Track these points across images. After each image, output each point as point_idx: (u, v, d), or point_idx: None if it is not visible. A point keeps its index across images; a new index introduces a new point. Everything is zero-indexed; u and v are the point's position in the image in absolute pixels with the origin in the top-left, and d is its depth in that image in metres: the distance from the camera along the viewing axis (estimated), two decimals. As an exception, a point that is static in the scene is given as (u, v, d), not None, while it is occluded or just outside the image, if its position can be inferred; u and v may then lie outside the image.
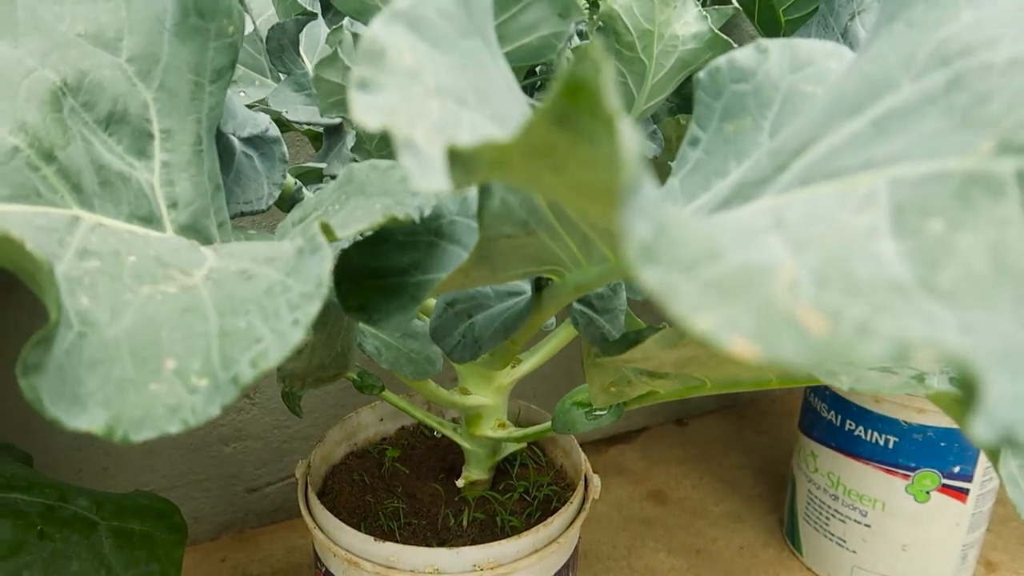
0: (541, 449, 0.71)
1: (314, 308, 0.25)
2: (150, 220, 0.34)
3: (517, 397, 0.69)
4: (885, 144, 0.18)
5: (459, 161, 0.17)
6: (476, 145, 0.16)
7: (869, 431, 0.78)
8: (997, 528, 0.93)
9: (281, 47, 0.50)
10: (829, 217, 0.16)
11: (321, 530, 0.57)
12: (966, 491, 0.77)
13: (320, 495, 0.64)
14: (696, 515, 0.97)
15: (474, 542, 0.58)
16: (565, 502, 0.59)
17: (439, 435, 0.70)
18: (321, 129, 0.56)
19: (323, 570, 0.60)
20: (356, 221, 0.33)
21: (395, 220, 0.31)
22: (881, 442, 0.78)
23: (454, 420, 0.67)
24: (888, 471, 0.78)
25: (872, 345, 0.11)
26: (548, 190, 0.21)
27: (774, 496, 1.01)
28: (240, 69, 0.63)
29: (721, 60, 0.30)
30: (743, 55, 0.29)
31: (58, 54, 0.32)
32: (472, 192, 0.36)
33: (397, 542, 0.54)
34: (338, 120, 0.49)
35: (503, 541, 0.54)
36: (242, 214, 0.45)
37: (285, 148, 0.45)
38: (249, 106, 0.57)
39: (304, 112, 0.51)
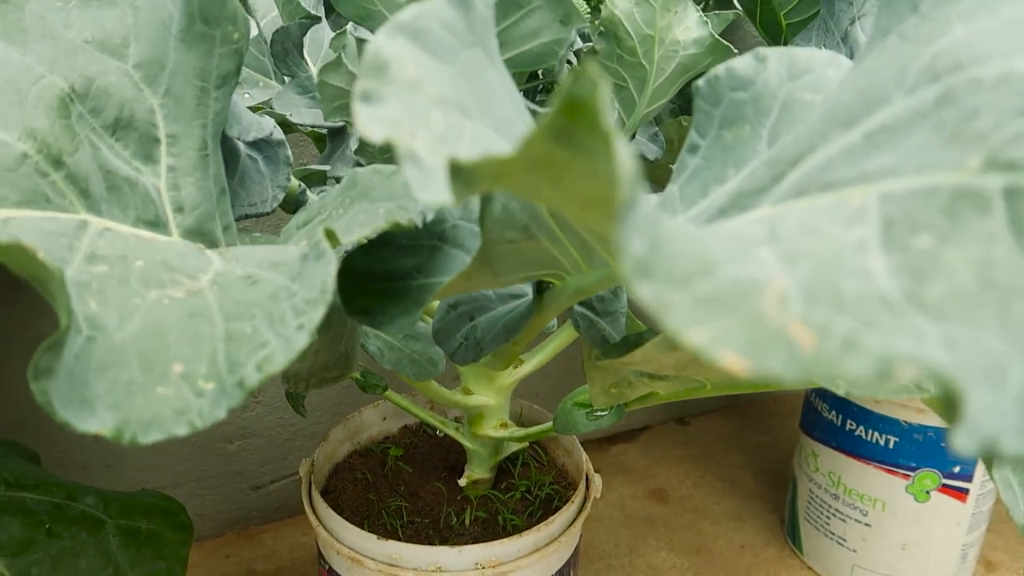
0: (543, 448, 0.71)
1: (318, 314, 0.26)
2: (156, 224, 0.34)
3: (520, 396, 0.70)
4: (878, 158, 0.18)
5: (460, 174, 0.17)
6: (477, 160, 0.16)
7: (870, 431, 0.79)
8: (997, 528, 0.93)
9: (285, 50, 0.50)
10: (821, 230, 0.17)
11: (325, 528, 0.57)
12: (966, 491, 0.77)
13: (324, 493, 0.64)
14: (697, 514, 0.98)
15: (476, 541, 0.58)
16: (567, 501, 0.59)
17: (442, 434, 0.71)
18: (325, 131, 0.56)
19: (327, 568, 0.60)
20: (360, 226, 0.33)
21: (398, 225, 0.32)
22: (881, 442, 0.78)
23: (457, 419, 0.67)
24: (888, 471, 0.78)
25: (857, 361, 0.12)
26: (548, 201, 0.21)
27: (775, 495, 1.01)
28: (244, 71, 0.63)
29: (720, 68, 0.30)
30: (741, 63, 0.30)
31: (66, 61, 0.33)
32: (474, 197, 0.37)
33: (400, 540, 0.54)
34: (342, 123, 0.49)
35: (505, 540, 0.54)
36: (247, 216, 0.45)
37: (289, 151, 0.45)
38: (253, 108, 0.58)
39: (308, 115, 0.51)
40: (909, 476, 0.77)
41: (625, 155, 0.14)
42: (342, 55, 0.41)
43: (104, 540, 0.43)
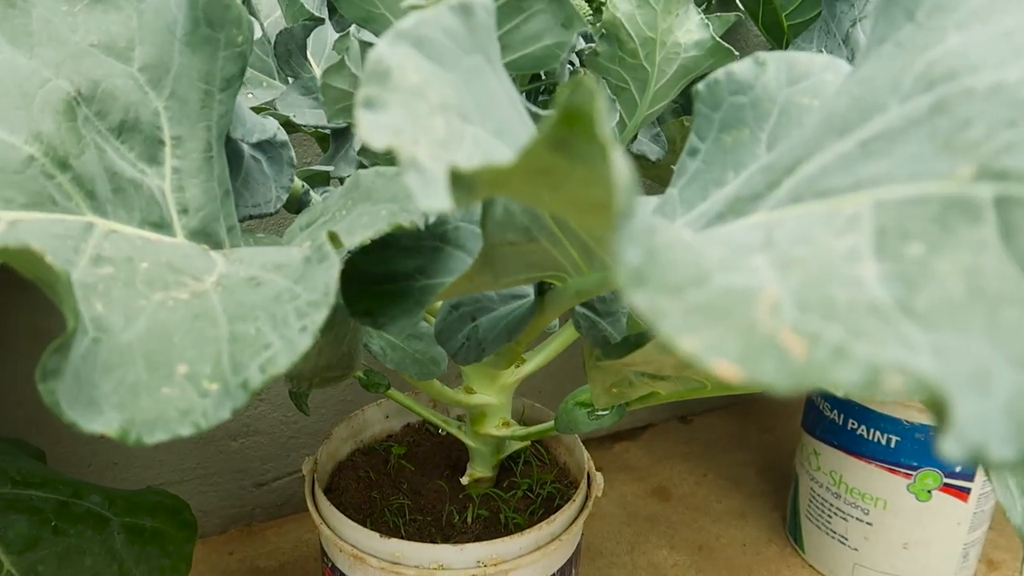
0: (545, 447, 0.72)
1: (321, 316, 0.26)
2: (161, 226, 0.35)
3: (522, 395, 0.70)
4: (872, 165, 0.19)
5: (461, 182, 0.17)
6: (477, 168, 0.17)
7: (871, 430, 0.79)
8: (999, 527, 0.94)
9: (289, 51, 0.51)
10: (815, 238, 0.17)
11: (327, 526, 0.58)
12: (967, 490, 0.77)
13: (327, 491, 0.65)
14: (699, 512, 0.98)
15: (478, 539, 0.59)
16: (568, 500, 0.59)
17: (444, 433, 0.71)
18: (328, 131, 0.56)
19: (329, 565, 0.61)
20: (362, 228, 0.33)
21: (400, 227, 0.32)
22: (883, 441, 0.78)
23: (459, 418, 0.68)
24: (890, 470, 0.78)
25: (846, 370, 0.12)
26: (548, 206, 0.22)
27: (777, 494, 1.01)
28: (248, 71, 0.63)
29: (719, 73, 0.30)
30: (741, 68, 0.30)
31: (72, 64, 0.33)
32: (476, 198, 0.37)
33: (402, 538, 0.54)
34: (345, 124, 0.50)
35: (506, 538, 0.55)
36: (250, 217, 0.45)
37: (293, 152, 0.46)
38: (257, 108, 0.58)
39: (311, 115, 0.51)
40: (911, 475, 0.78)
41: (622, 165, 0.14)
42: (345, 57, 0.41)
43: (109, 538, 0.43)
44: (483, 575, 0.54)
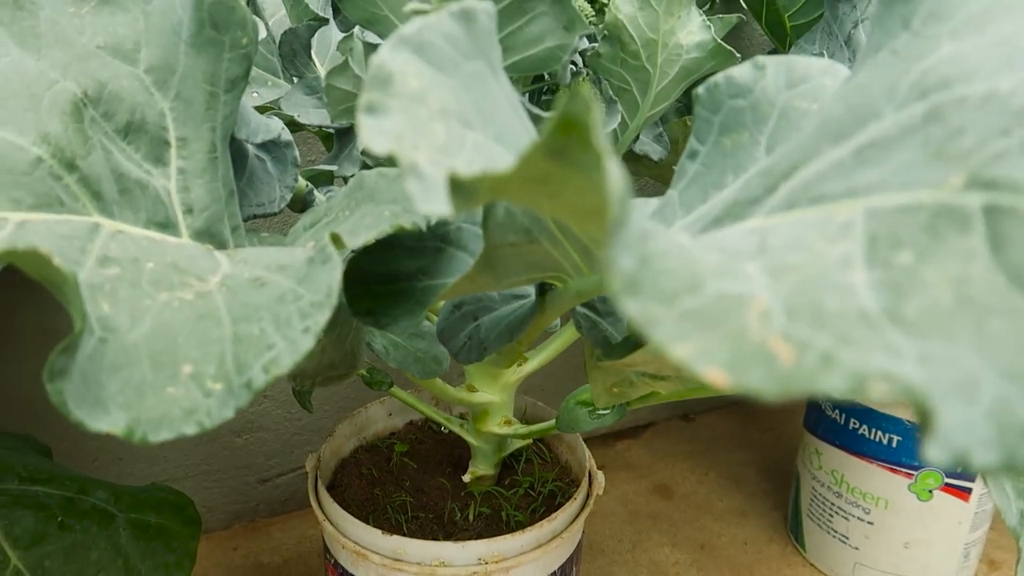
0: (546, 445, 0.72)
1: (324, 317, 0.26)
2: (167, 226, 0.35)
3: (525, 393, 0.70)
4: (866, 173, 0.19)
5: (460, 188, 0.18)
6: (476, 175, 0.17)
7: (873, 430, 0.79)
8: (1000, 527, 0.94)
9: (293, 51, 0.51)
10: (809, 244, 0.17)
11: (330, 522, 0.58)
12: (968, 490, 0.77)
13: (330, 488, 0.65)
14: (701, 510, 0.98)
15: (479, 536, 0.59)
16: (569, 498, 0.60)
17: (446, 430, 0.71)
18: (332, 130, 0.57)
19: (332, 561, 0.61)
20: (365, 229, 0.34)
21: (402, 229, 0.32)
22: (885, 441, 0.79)
23: (461, 416, 0.68)
24: (891, 470, 0.79)
25: (833, 377, 0.12)
26: (547, 211, 0.22)
27: (778, 492, 1.02)
28: (253, 70, 0.64)
29: (719, 76, 0.31)
30: (740, 72, 0.30)
31: (79, 66, 0.34)
32: (478, 199, 0.37)
33: (404, 535, 0.55)
34: (349, 124, 0.50)
35: (507, 536, 0.55)
36: (255, 216, 0.46)
37: (296, 152, 0.46)
38: (262, 107, 0.59)
39: (316, 115, 0.52)
40: (912, 475, 0.78)
41: (616, 174, 0.14)
42: (349, 59, 0.42)
43: (115, 533, 0.44)
44: (484, 572, 0.54)
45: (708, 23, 0.43)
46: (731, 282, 0.15)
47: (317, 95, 0.52)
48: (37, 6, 0.33)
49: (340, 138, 0.53)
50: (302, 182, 0.50)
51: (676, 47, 0.43)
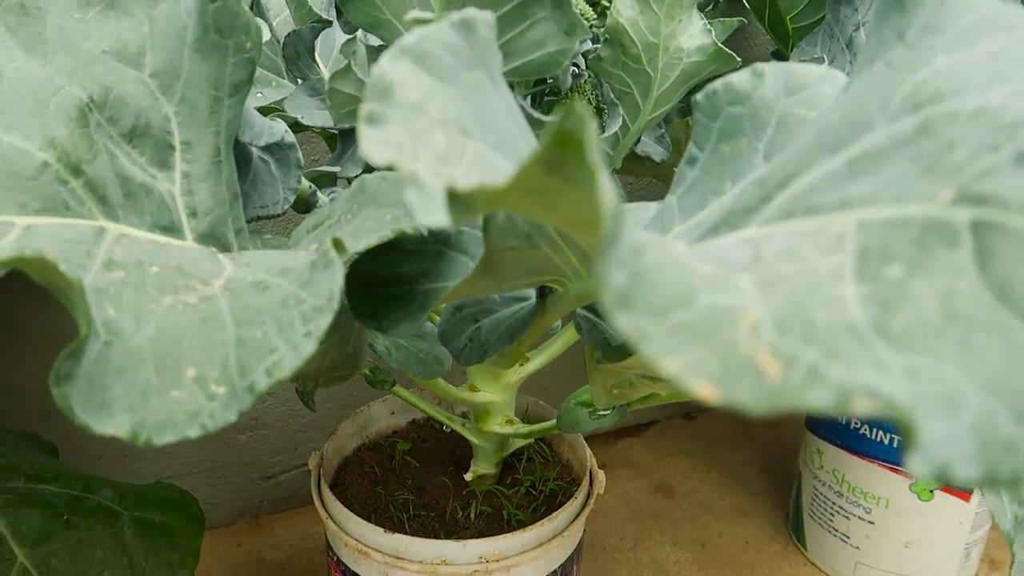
0: (548, 444, 0.72)
1: (326, 321, 0.27)
2: (171, 229, 0.36)
3: (527, 391, 0.71)
4: (859, 185, 0.19)
5: (458, 201, 0.18)
6: (473, 188, 0.17)
7: (874, 430, 0.79)
8: (1001, 527, 0.94)
9: (297, 53, 0.51)
10: (802, 256, 0.18)
11: (333, 520, 0.59)
12: (969, 490, 0.78)
13: (332, 486, 0.66)
14: (702, 509, 0.99)
15: (481, 535, 0.59)
16: (570, 497, 0.60)
17: (448, 429, 0.72)
18: (336, 131, 0.57)
19: (335, 559, 0.62)
20: (367, 232, 0.34)
21: (404, 233, 0.32)
22: (886, 441, 0.79)
23: (463, 415, 0.69)
24: (892, 469, 0.79)
25: (818, 392, 0.12)
26: (544, 220, 0.22)
27: (780, 491, 1.02)
28: (257, 70, 0.64)
29: (718, 83, 0.31)
30: (739, 79, 0.30)
31: (84, 71, 0.34)
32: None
33: (406, 534, 0.55)
34: (352, 126, 0.50)
35: (508, 535, 0.55)
36: (258, 218, 0.46)
37: (300, 154, 0.46)
38: (266, 108, 0.59)
39: (319, 117, 0.52)
40: (913, 475, 0.78)
41: (609, 191, 0.15)
42: (352, 63, 0.42)
43: (119, 531, 0.44)
44: (485, 571, 0.55)
45: (709, 27, 0.43)
46: (723, 295, 0.15)
47: (321, 96, 0.52)
48: (43, 12, 0.34)
49: (343, 139, 0.54)
50: (305, 183, 0.50)
51: (677, 51, 0.43)
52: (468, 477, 0.66)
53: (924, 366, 0.14)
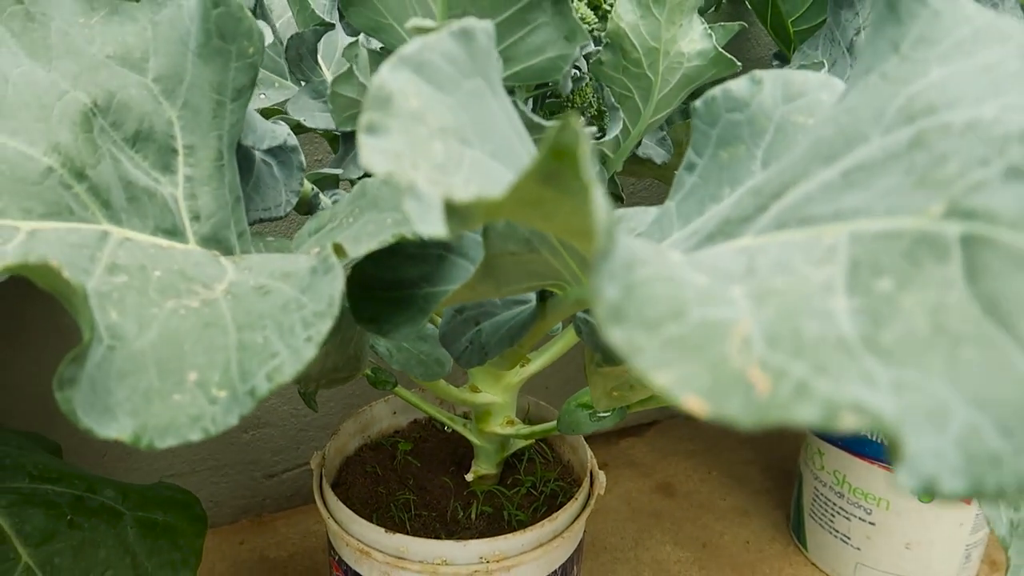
0: (549, 445, 0.73)
1: (326, 327, 0.27)
2: (174, 233, 0.36)
3: (529, 390, 0.71)
4: (852, 196, 0.19)
5: (455, 212, 0.18)
6: (470, 200, 0.17)
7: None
8: (1002, 528, 0.94)
9: (299, 56, 0.51)
10: (795, 267, 0.18)
11: (335, 520, 0.59)
12: (970, 492, 0.78)
13: (334, 486, 0.66)
14: (703, 508, 0.99)
15: (481, 535, 0.60)
16: (571, 497, 0.60)
17: (450, 429, 0.72)
18: (338, 132, 0.57)
19: (336, 558, 0.62)
20: (368, 237, 0.34)
21: (404, 238, 0.33)
22: (887, 442, 0.79)
23: (464, 415, 0.69)
24: (893, 470, 0.79)
25: (805, 408, 0.13)
26: (542, 229, 0.22)
27: (781, 492, 1.02)
28: (260, 72, 0.64)
29: (717, 90, 0.31)
30: (737, 86, 0.31)
31: (89, 76, 0.34)
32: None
33: (407, 534, 0.56)
34: (353, 129, 0.50)
35: (509, 535, 0.56)
36: (261, 220, 0.47)
37: (303, 157, 0.47)
38: (269, 109, 0.59)
39: (321, 119, 0.52)
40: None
41: (602, 206, 0.15)
42: (354, 67, 0.42)
43: (122, 531, 0.45)
44: (486, 571, 0.55)
45: (709, 31, 0.43)
46: (715, 308, 0.16)
47: (323, 99, 0.52)
48: (48, 17, 0.34)
49: (346, 141, 0.54)
50: (308, 186, 0.51)
51: (678, 55, 0.43)
52: (469, 477, 0.66)
53: (912, 380, 0.14)
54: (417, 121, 0.23)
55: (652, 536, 0.94)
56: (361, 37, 0.44)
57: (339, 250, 0.30)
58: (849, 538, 0.85)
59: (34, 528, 0.42)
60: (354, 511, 0.57)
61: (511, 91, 0.43)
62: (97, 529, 0.44)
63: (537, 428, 0.61)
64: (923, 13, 0.21)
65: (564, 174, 0.17)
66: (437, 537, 0.61)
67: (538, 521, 0.57)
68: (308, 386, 0.44)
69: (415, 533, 0.59)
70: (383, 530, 0.56)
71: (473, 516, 0.64)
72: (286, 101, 0.57)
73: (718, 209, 0.30)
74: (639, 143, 0.54)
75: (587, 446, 0.68)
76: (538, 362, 0.62)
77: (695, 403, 0.13)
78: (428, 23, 0.26)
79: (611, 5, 0.46)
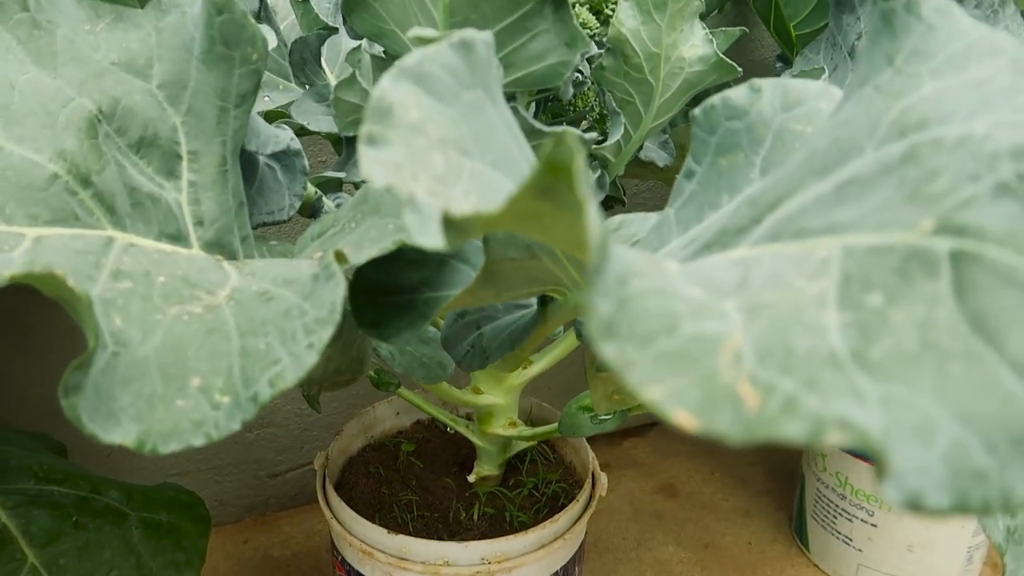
0: (551, 446, 0.73)
1: (328, 334, 0.27)
2: (178, 238, 0.36)
3: (532, 391, 0.71)
4: (845, 210, 0.20)
5: (453, 225, 0.18)
6: (468, 214, 0.18)
7: (877, 433, 0.80)
8: (1005, 530, 0.94)
9: (303, 60, 0.52)
10: (788, 280, 0.18)
11: (338, 521, 0.60)
12: (972, 495, 0.78)
13: (337, 486, 0.66)
14: (706, 509, 0.99)
15: (483, 536, 0.60)
16: (573, 499, 0.61)
17: (452, 431, 0.72)
18: (341, 136, 0.58)
19: (339, 558, 0.62)
20: (370, 243, 0.35)
21: (405, 244, 0.33)
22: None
23: (467, 416, 0.69)
24: (894, 473, 0.79)
25: (793, 424, 0.13)
26: (541, 241, 0.23)
27: (783, 493, 1.02)
28: (265, 75, 0.65)
29: (716, 98, 0.31)
30: (737, 94, 0.31)
31: (94, 82, 0.35)
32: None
33: (410, 534, 0.56)
34: (356, 133, 0.51)
35: (511, 536, 0.56)
36: (264, 224, 0.47)
37: (306, 161, 0.47)
38: (273, 112, 0.59)
39: (325, 122, 0.53)
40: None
41: (596, 223, 0.15)
42: (356, 72, 0.43)
43: (127, 532, 0.45)
44: (487, 572, 0.56)
45: (711, 37, 0.43)
46: (708, 321, 0.16)
47: (327, 102, 0.53)
48: (54, 24, 0.34)
49: (349, 145, 0.54)
50: (311, 189, 0.51)
51: (679, 60, 0.43)
52: (471, 478, 0.66)
53: (900, 395, 0.14)
54: (417, 132, 0.23)
55: (654, 537, 0.94)
56: (364, 42, 0.44)
57: (341, 257, 0.31)
58: (851, 540, 0.85)
59: (40, 529, 0.43)
60: (357, 512, 0.58)
61: (512, 96, 0.43)
62: (102, 530, 0.44)
63: (539, 430, 0.62)
64: (917, 27, 0.22)
65: (559, 189, 0.17)
66: (439, 538, 0.61)
67: (540, 522, 0.58)
68: (311, 389, 0.44)
69: (417, 534, 0.60)
70: (385, 531, 0.56)
71: (475, 517, 0.64)
72: (290, 104, 0.58)
73: (716, 217, 0.30)
74: (641, 147, 0.55)
75: (589, 448, 0.68)
76: (540, 364, 0.62)
77: (685, 418, 0.13)
78: (430, 33, 0.27)
79: (613, 10, 0.46)
